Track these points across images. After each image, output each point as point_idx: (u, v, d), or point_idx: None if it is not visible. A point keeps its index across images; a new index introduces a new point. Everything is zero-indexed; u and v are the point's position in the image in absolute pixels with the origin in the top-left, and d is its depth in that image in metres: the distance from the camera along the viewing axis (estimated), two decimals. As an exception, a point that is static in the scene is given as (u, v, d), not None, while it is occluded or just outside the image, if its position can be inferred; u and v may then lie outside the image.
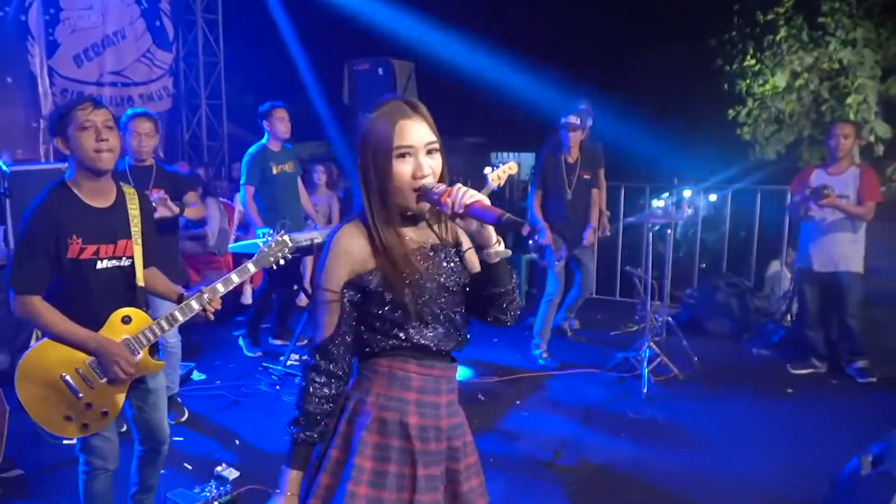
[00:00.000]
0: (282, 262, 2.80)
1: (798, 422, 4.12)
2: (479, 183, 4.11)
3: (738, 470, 3.52)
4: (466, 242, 1.70)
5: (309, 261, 5.89)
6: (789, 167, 6.87)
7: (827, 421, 4.13)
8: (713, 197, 6.65)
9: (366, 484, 1.61)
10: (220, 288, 2.56)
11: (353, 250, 1.62)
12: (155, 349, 2.56)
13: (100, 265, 2.41)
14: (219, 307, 2.56)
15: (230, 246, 5.61)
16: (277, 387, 4.64)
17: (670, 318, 5.32)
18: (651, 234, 4.96)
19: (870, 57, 6.57)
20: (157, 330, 2.46)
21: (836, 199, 4.51)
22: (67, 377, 2.36)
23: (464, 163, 7.19)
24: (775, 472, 3.49)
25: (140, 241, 2.50)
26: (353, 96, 6.78)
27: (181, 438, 3.82)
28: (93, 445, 2.52)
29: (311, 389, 1.65)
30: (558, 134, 4.99)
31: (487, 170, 3.99)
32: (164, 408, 2.74)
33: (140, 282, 2.50)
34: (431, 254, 1.66)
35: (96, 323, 2.39)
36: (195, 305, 2.51)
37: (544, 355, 5.09)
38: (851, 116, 6.38)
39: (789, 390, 4.63)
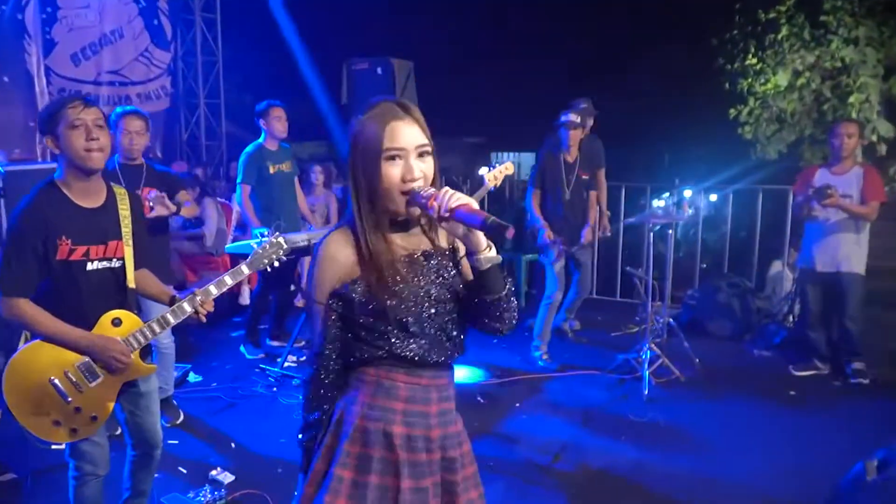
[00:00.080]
0: (276, 264, 2.76)
1: (800, 424, 4.08)
2: (477, 183, 4.09)
3: (740, 472, 3.48)
4: (463, 248, 1.65)
5: (306, 261, 5.85)
6: (791, 167, 6.84)
7: (829, 423, 4.09)
8: (714, 197, 6.62)
9: (345, 496, 1.58)
10: (213, 290, 2.52)
11: (339, 258, 1.60)
12: (146, 352, 2.52)
13: (90, 266, 2.36)
14: (211, 309, 2.52)
15: (227, 246, 5.57)
16: (274, 388, 4.59)
17: (671, 319, 5.27)
18: (652, 234, 4.92)
19: (872, 55, 6.54)
20: (148, 333, 2.42)
21: (839, 199, 4.46)
22: (56, 381, 2.32)
23: (463, 163, 7.17)
24: (777, 474, 3.46)
25: (131, 242, 2.45)
26: (351, 96, 6.73)
27: (176, 441, 3.77)
28: (82, 451, 2.48)
29: (314, 397, 1.66)
30: (558, 132, 4.94)
31: (483, 170, 3.95)
32: (156, 411, 2.69)
33: (131, 283, 2.46)
34: (423, 260, 1.62)
35: (86, 325, 2.35)
36: (187, 308, 2.47)
37: (544, 357, 5.05)
38: (854, 115, 6.35)
39: (791, 392, 4.59)
